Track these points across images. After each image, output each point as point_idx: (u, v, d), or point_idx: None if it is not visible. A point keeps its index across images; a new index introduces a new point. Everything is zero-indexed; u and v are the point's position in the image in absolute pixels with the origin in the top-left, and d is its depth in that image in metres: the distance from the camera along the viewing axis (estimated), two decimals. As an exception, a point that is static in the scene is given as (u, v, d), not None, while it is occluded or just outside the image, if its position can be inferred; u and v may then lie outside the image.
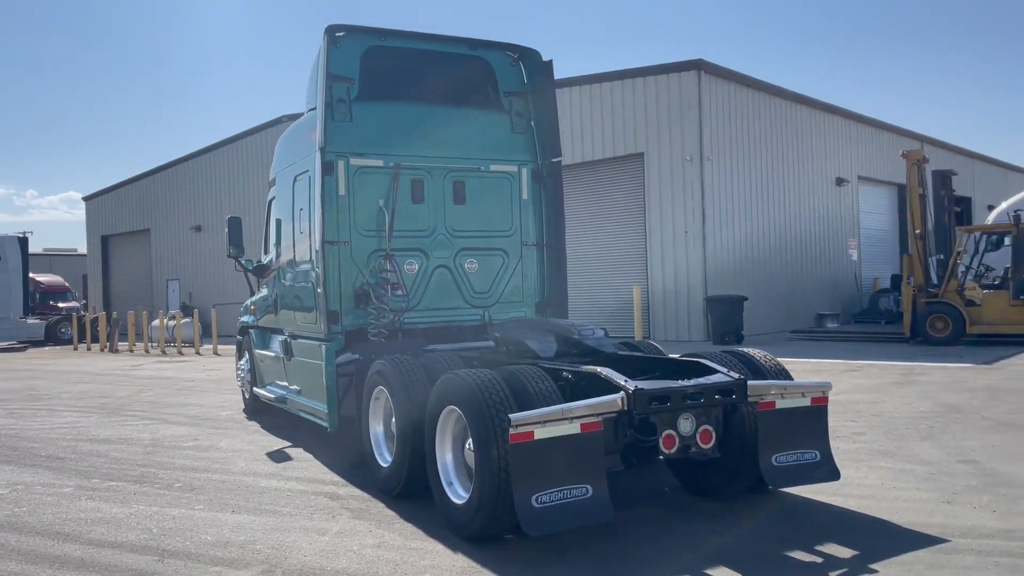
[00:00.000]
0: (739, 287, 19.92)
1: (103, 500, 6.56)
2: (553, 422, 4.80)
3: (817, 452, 5.65)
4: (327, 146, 7.71)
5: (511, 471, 4.75)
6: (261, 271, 10.20)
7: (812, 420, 5.66)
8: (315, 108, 8.21)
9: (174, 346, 25.23)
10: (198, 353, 23.24)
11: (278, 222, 9.41)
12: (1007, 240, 18.28)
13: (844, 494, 5.95)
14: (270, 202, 10.08)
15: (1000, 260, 18.82)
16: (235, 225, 10.41)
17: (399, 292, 7.95)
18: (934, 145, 31.59)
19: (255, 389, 10.21)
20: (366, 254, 7.98)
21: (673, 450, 5.17)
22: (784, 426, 5.56)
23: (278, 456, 8.11)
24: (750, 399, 5.38)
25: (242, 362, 10.98)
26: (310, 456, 8.02)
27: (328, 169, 7.73)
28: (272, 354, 9.69)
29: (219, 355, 22.20)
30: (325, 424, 7.79)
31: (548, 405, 5.03)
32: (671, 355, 6.35)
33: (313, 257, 7.96)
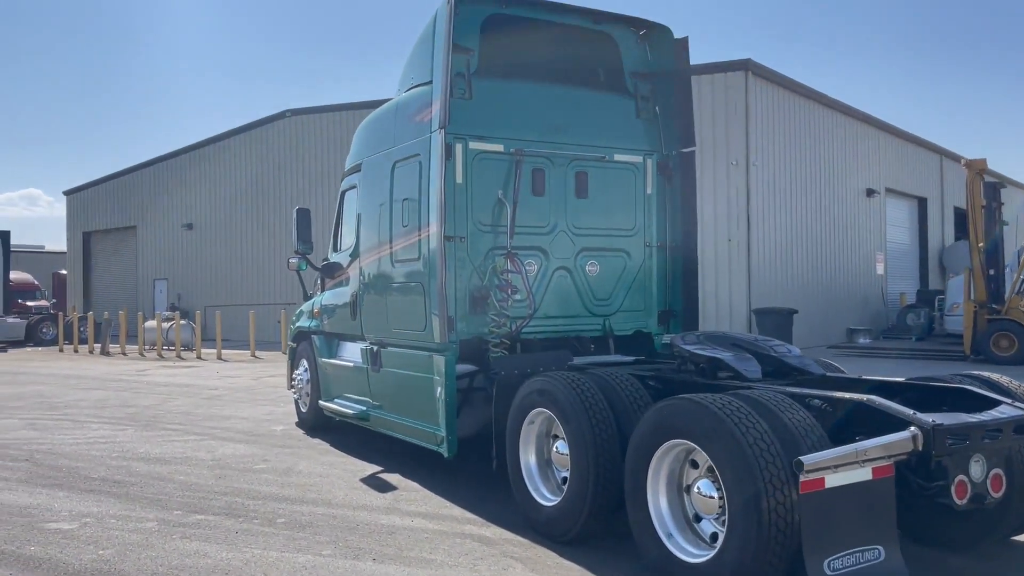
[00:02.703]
0: (780, 299, 19.07)
1: (201, 540, 5.41)
2: (845, 466, 3.80)
3: (1103, 500, 4.68)
4: (439, 127, 6.64)
5: (802, 527, 3.73)
6: (331, 270, 9.07)
7: (1094, 460, 4.70)
8: (420, 86, 7.16)
9: (170, 349, 23.83)
10: (199, 357, 21.89)
11: (359, 216, 8.31)
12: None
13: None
14: (344, 193, 8.97)
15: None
16: (304, 218, 9.30)
17: (517, 296, 6.91)
18: (949, 158, 31.14)
19: (321, 402, 9.06)
20: (483, 252, 6.93)
21: (965, 500, 4.18)
22: (1067, 468, 4.59)
23: (378, 484, 6.99)
24: (1040, 436, 4.41)
25: (300, 371, 9.82)
26: (417, 484, 6.92)
27: (447, 153, 6.66)
28: (347, 363, 8.57)
29: (224, 360, 20.89)
30: (435, 448, 6.72)
31: (813, 445, 4.03)
32: (896, 378, 5.36)
33: (424, 254, 6.87)
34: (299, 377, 9.81)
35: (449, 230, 6.69)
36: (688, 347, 5.54)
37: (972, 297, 16.82)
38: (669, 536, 4.45)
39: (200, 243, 32.39)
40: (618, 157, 7.55)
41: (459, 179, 6.83)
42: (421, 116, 7.04)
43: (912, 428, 4.01)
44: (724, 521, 4.23)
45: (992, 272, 17.48)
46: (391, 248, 7.52)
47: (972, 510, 4.39)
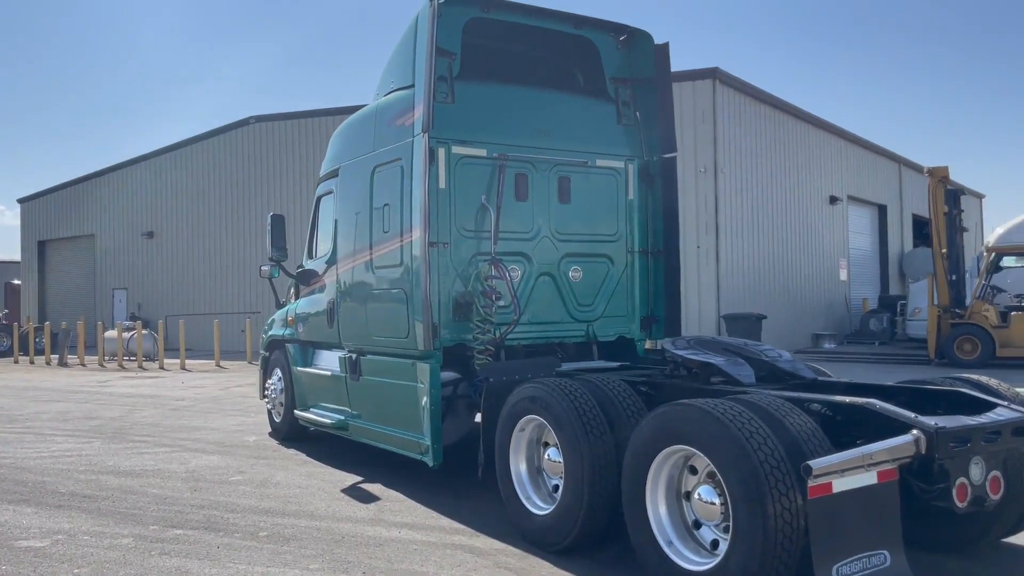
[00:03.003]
0: (748, 304, 19.23)
1: (181, 556, 5.22)
2: (852, 471, 3.77)
3: (1092, 501, 4.72)
4: (422, 131, 6.53)
5: (811, 533, 3.69)
6: (306, 277, 8.89)
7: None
8: (401, 89, 7.06)
9: (132, 360, 23.28)
10: (162, 368, 21.42)
11: (336, 222, 8.16)
12: (1005, 261, 18.04)
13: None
14: (320, 199, 8.81)
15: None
16: (278, 224, 9.11)
17: (501, 303, 6.82)
18: (908, 166, 31.76)
19: (296, 412, 8.86)
20: (466, 258, 6.84)
21: (965, 503, 4.17)
22: (1060, 470, 4.61)
23: (361, 495, 6.83)
24: (1034, 437, 4.43)
25: (273, 380, 9.60)
26: (400, 495, 6.77)
27: (429, 157, 6.56)
28: (324, 372, 8.39)
29: (188, 370, 20.46)
30: (419, 457, 6.60)
31: (816, 449, 4.01)
32: (886, 382, 5.36)
33: (406, 260, 6.76)
34: (272, 386, 9.59)
35: (432, 236, 6.58)
36: (680, 352, 5.49)
37: (936, 302, 17.09)
38: (669, 544, 4.38)
39: (161, 251, 31.76)
40: (600, 162, 7.51)
41: (442, 184, 6.73)
42: (402, 120, 6.93)
43: (915, 431, 3.99)
44: (726, 527, 4.18)
45: (954, 277, 17.80)
46: (371, 254, 7.38)
47: (967, 513, 4.39)
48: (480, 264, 6.82)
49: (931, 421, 4.03)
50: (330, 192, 8.44)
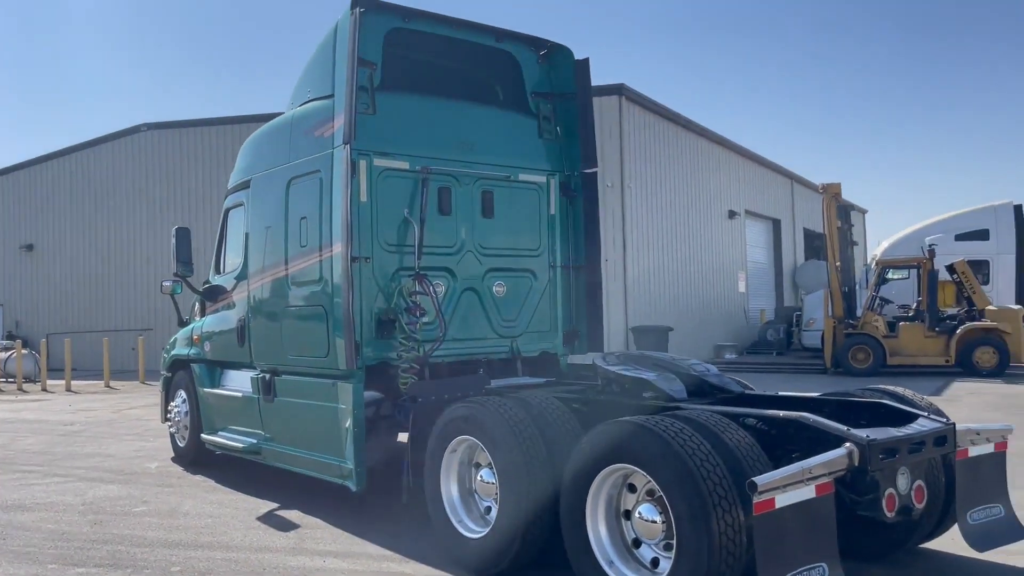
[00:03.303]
0: (654, 317, 19.61)
1: (86, 598, 4.84)
2: (793, 485, 3.80)
3: (1000, 506, 4.94)
4: (344, 142, 6.34)
5: (757, 549, 3.69)
6: (214, 294, 8.50)
7: (995, 469, 4.96)
8: (319, 99, 6.84)
9: (10, 382, 21.81)
10: (45, 390, 20.14)
11: (247, 236, 7.83)
12: (891, 274, 19.03)
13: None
14: (228, 212, 8.46)
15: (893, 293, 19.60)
16: (184, 237, 8.69)
17: (425, 319, 6.66)
18: (799, 182, 33.20)
19: (203, 436, 8.43)
20: (389, 273, 6.66)
21: (894, 512, 4.28)
22: (974, 477, 4.81)
23: (278, 523, 6.53)
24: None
25: (177, 403, 9.12)
26: (320, 521, 6.50)
27: (351, 170, 6.36)
28: (234, 393, 8.02)
29: (75, 392, 19.30)
30: (340, 482, 6.36)
31: (755, 464, 4.05)
32: (810, 394, 5.48)
33: (326, 276, 6.53)
34: (176, 409, 9.10)
35: (354, 250, 6.37)
36: (612, 368, 5.48)
37: (831, 313, 17.84)
38: (610, 563, 4.34)
39: (42, 265, 29.90)
40: (523, 177, 7.47)
41: (363, 197, 6.54)
42: (321, 131, 6.71)
43: (848, 444, 4.07)
44: (667, 545, 4.17)
45: (846, 289, 18.61)
46: (287, 269, 7.10)
47: (894, 522, 4.51)
48: (403, 279, 6.65)
49: (862, 433, 4.12)
50: (240, 204, 8.10)
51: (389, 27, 6.82)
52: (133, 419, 13.34)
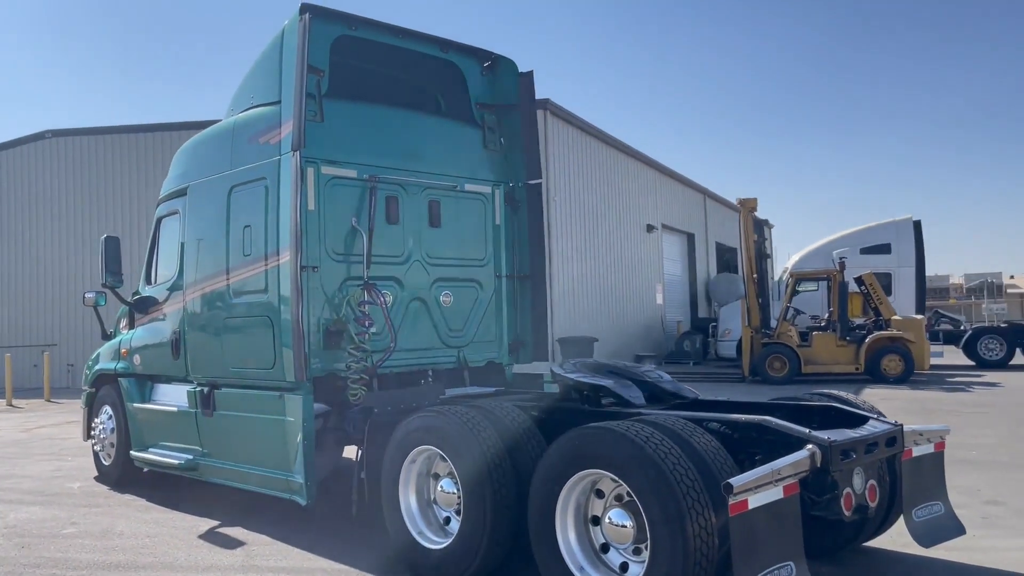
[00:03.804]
0: (579, 328, 19.84)
1: (27, 625, 4.57)
2: (764, 487, 3.92)
3: (941, 504, 5.20)
4: (292, 149, 6.23)
5: (733, 550, 3.78)
6: (144, 305, 8.19)
7: (935, 468, 5.22)
8: (263, 105, 6.71)
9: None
10: (-61, 408, 18.92)
11: (183, 245, 7.58)
12: (802, 285, 19.85)
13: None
14: (161, 221, 8.18)
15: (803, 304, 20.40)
16: (113, 247, 8.34)
17: (373, 329, 6.58)
18: (711, 197, 34.23)
19: (133, 453, 8.09)
20: (336, 283, 6.57)
21: (851, 511, 4.46)
22: (917, 476, 5.05)
23: (222, 540, 6.31)
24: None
25: (102, 419, 8.72)
26: (266, 537, 6.32)
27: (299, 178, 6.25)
28: (167, 408, 7.72)
29: (-26, 410, 18.20)
30: (287, 496, 6.21)
31: (722, 467, 4.17)
32: (760, 400, 5.65)
33: (272, 286, 6.38)
34: (101, 426, 8.70)
35: (303, 259, 6.25)
36: (571, 375, 5.53)
37: (748, 323, 18.42)
38: (581, 569, 4.37)
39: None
40: (468, 187, 7.49)
41: (311, 205, 6.43)
42: (267, 137, 6.57)
43: (810, 446, 4.22)
44: (636, 549, 4.24)
45: (761, 301, 19.27)
46: (228, 279, 6.91)
47: (851, 521, 4.70)
48: (352, 289, 6.57)
49: (824, 435, 4.29)
50: (174, 212, 7.84)
51: (336, 34, 6.75)
52: (45, 438, 12.69)
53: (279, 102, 6.47)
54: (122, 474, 8.44)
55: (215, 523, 6.80)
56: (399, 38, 7.17)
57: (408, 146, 7.13)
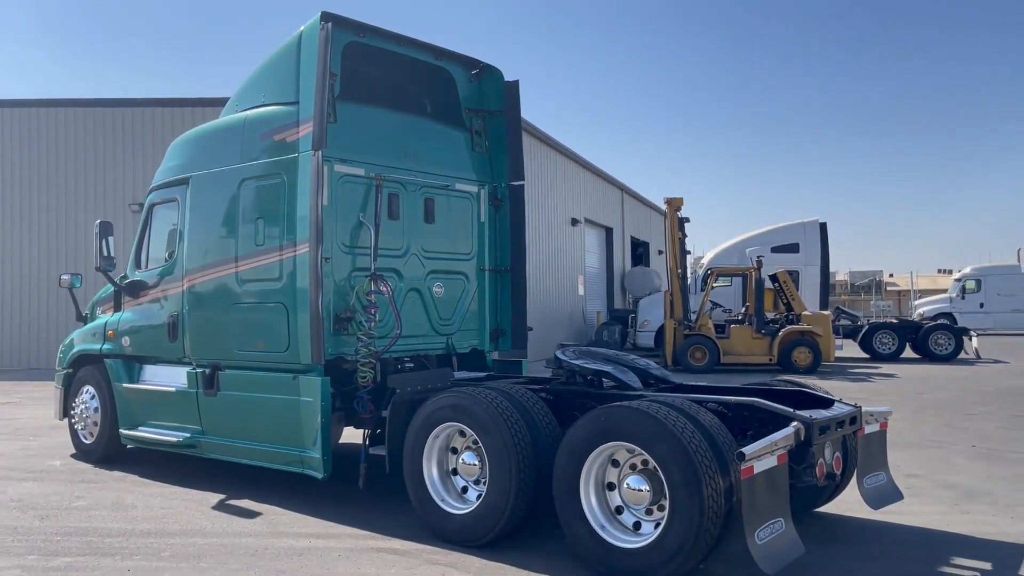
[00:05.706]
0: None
1: (95, 584, 4.98)
2: (766, 455, 4.74)
3: (884, 474, 6.18)
4: (313, 148, 6.71)
5: (743, 508, 4.58)
6: (136, 289, 8.45)
7: (880, 444, 6.19)
8: (278, 104, 7.16)
9: None
10: None
11: (182, 233, 7.91)
12: (719, 280, 21.21)
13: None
14: (154, 207, 8.47)
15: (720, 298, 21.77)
16: (107, 231, 8.54)
17: (376, 316, 7.13)
18: (628, 194, 35.55)
19: (123, 431, 8.36)
20: (345, 273, 7.09)
21: (823, 479, 5.34)
22: (867, 450, 6.01)
23: (237, 511, 6.75)
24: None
25: (84, 398, 8.90)
26: (274, 506, 6.80)
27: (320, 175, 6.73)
28: (163, 388, 8.03)
29: None
30: (299, 471, 6.74)
31: (724, 440, 4.96)
32: (734, 385, 6.50)
33: (288, 274, 6.86)
34: (83, 405, 8.89)
35: (326, 251, 6.76)
36: (575, 361, 6.24)
37: (671, 315, 19.59)
38: (602, 527, 5.08)
39: None
40: (459, 186, 8.09)
41: (325, 201, 6.92)
42: (282, 135, 7.01)
43: (795, 423, 5.07)
44: (650, 510, 4.99)
45: (682, 294, 20.48)
46: (236, 267, 7.31)
47: (823, 487, 5.60)
48: (359, 279, 7.09)
49: (806, 414, 5.14)
50: (171, 200, 8.15)
51: (347, 41, 7.23)
52: (4, 419, 12.54)
53: (296, 103, 6.92)
54: (105, 452, 8.68)
55: (222, 496, 7.21)
56: (399, 45, 7.70)
57: (408, 148, 7.67)
